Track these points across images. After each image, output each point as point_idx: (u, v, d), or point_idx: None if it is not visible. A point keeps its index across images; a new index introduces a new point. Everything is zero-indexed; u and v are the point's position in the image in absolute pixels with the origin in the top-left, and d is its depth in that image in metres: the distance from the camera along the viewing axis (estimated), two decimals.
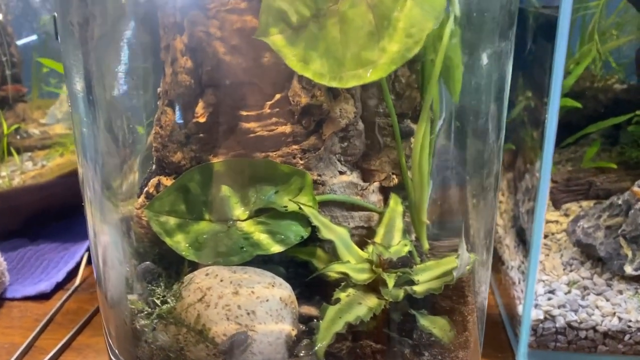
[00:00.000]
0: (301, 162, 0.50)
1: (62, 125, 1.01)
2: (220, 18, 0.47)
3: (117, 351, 0.45)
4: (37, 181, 0.91)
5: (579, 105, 0.74)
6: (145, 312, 0.42)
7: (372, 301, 0.43)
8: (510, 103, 0.49)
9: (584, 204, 0.79)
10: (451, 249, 0.47)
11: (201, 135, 0.48)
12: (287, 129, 0.50)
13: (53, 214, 0.95)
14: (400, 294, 0.43)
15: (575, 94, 0.79)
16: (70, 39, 0.43)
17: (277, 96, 0.50)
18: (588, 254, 0.73)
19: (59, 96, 1.08)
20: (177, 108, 0.47)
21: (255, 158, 0.50)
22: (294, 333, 0.45)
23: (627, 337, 0.65)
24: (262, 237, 0.48)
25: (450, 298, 0.46)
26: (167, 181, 0.49)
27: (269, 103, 0.50)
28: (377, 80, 0.44)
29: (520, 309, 0.68)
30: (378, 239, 0.49)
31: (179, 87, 0.47)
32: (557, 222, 0.79)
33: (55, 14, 0.43)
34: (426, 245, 0.49)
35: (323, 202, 0.49)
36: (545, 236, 0.78)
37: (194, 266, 0.46)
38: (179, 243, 0.47)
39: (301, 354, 0.42)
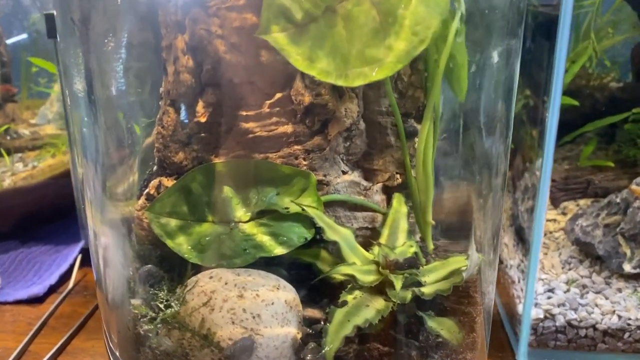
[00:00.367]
0: (304, 162, 0.49)
1: (53, 126, 1.00)
2: (220, 16, 0.46)
3: (119, 356, 0.44)
4: (28, 182, 0.90)
5: (576, 103, 0.74)
6: (149, 317, 0.41)
7: (379, 303, 0.42)
8: None
9: (582, 202, 0.79)
10: (457, 250, 0.47)
11: (202, 135, 0.48)
12: (288, 129, 0.49)
13: (45, 215, 0.94)
14: (408, 295, 0.43)
15: (572, 92, 0.79)
16: (70, 37, 0.42)
17: (277, 95, 0.49)
18: (587, 252, 0.73)
19: (49, 96, 1.06)
20: (181, 108, 0.46)
21: (255, 159, 0.49)
22: (299, 336, 0.44)
23: (626, 335, 0.65)
24: (265, 239, 0.47)
25: (457, 299, 0.45)
26: (168, 182, 0.48)
27: (268, 102, 0.49)
28: (381, 79, 0.44)
29: (520, 308, 0.67)
30: (383, 240, 0.48)
31: (181, 86, 0.46)
32: (554, 220, 0.79)
33: (54, 12, 0.42)
34: (431, 245, 0.49)
35: (328, 202, 0.48)
36: (544, 234, 0.78)
37: (197, 269, 0.45)
38: (181, 245, 0.46)
39: (308, 358, 0.42)
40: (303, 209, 0.47)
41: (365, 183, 0.51)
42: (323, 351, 0.41)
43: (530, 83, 0.68)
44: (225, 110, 0.48)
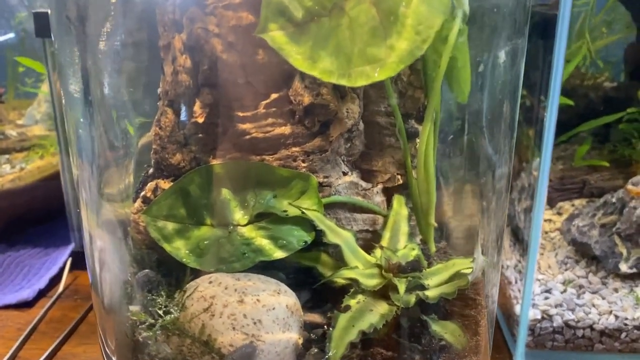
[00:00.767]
0: (303, 164, 0.48)
1: (41, 127, 0.98)
2: (217, 14, 0.45)
3: None
4: (16, 185, 0.88)
5: (571, 103, 0.74)
6: (148, 323, 0.40)
7: (383, 307, 0.41)
8: None
9: (577, 202, 0.79)
10: (461, 252, 0.46)
11: (200, 135, 0.47)
12: (286, 130, 0.48)
13: (33, 218, 0.93)
14: (412, 299, 0.42)
15: (566, 92, 0.79)
16: (66, 36, 0.41)
17: (274, 96, 0.48)
18: (583, 252, 0.73)
19: (36, 96, 1.04)
20: (181, 108, 0.45)
21: (252, 161, 0.48)
22: (300, 342, 0.43)
23: (623, 335, 0.65)
24: (264, 243, 0.46)
25: (460, 302, 0.45)
26: (165, 184, 0.47)
27: (264, 103, 0.48)
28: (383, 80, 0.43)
29: (517, 308, 0.67)
30: (384, 243, 0.47)
31: (179, 87, 0.45)
32: (550, 220, 0.79)
33: (48, 10, 0.40)
34: (433, 248, 0.48)
35: (329, 204, 0.48)
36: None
37: (195, 273, 0.44)
38: (179, 249, 0.45)
39: None
40: (303, 212, 0.46)
41: (364, 184, 0.50)
42: (326, 357, 0.40)
43: (525, 82, 0.68)
44: (222, 110, 0.47)
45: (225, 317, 0.40)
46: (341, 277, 0.44)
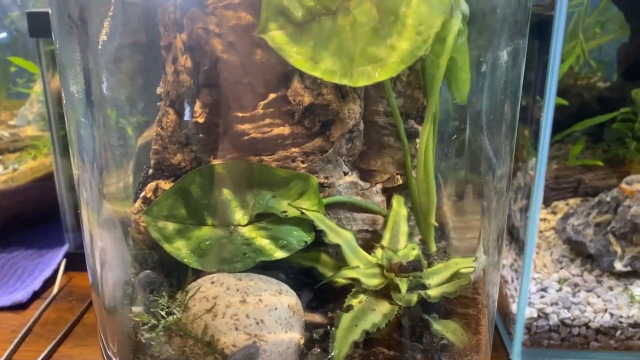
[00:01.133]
0: (303, 165, 0.48)
1: (33, 127, 0.97)
2: (217, 14, 0.45)
3: None
4: (9, 185, 0.87)
5: (566, 102, 0.74)
6: (150, 324, 0.40)
7: (385, 307, 0.42)
8: None
9: (571, 201, 0.80)
10: (461, 252, 0.46)
11: (200, 135, 0.46)
12: (284, 130, 0.48)
13: (27, 219, 0.92)
14: (414, 298, 0.42)
15: (560, 92, 0.80)
16: (67, 36, 0.41)
17: (272, 96, 0.48)
18: (578, 251, 0.73)
19: (28, 97, 1.03)
20: (182, 108, 0.45)
21: (251, 161, 0.48)
22: (302, 342, 0.43)
23: (618, 332, 0.66)
24: (265, 243, 0.46)
25: (461, 301, 0.45)
26: (166, 185, 0.47)
27: (262, 103, 0.48)
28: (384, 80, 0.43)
29: (513, 307, 0.68)
30: (385, 243, 0.47)
31: (180, 87, 0.45)
32: (545, 219, 0.79)
33: (49, 9, 0.40)
34: (434, 247, 0.48)
35: (330, 204, 0.48)
36: None
37: (197, 274, 0.44)
38: (180, 250, 0.45)
39: None
40: (302, 212, 0.46)
41: (362, 183, 0.51)
42: (329, 356, 0.40)
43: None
44: (221, 111, 0.47)
45: (227, 318, 0.40)
46: (343, 277, 0.44)
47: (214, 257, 0.44)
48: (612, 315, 0.66)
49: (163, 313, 0.40)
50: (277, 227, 0.47)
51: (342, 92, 0.47)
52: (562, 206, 0.80)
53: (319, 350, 0.42)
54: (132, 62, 0.46)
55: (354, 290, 0.43)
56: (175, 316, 0.40)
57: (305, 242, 0.46)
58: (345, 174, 0.49)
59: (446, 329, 0.43)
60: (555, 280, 0.71)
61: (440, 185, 0.49)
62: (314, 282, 0.48)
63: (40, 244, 0.90)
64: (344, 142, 0.48)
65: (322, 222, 0.46)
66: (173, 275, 0.45)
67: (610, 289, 0.69)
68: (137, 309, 0.41)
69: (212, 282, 0.42)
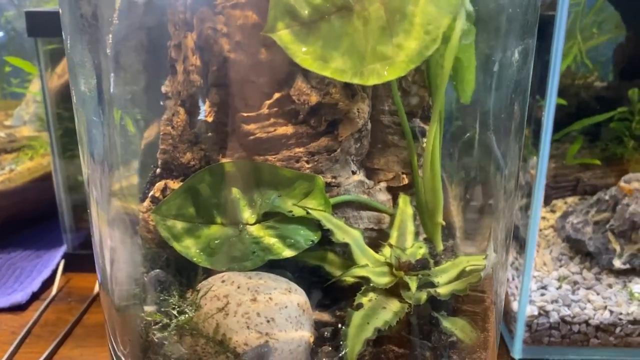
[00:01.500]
0: (308, 165, 0.48)
1: (29, 128, 0.97)
2: (225, 14, 0.45)
3: None
4: (7, 186, 0.87)
5: (564, 102, 0.75)
6: (162, 324, 0.40)
7: (395, 305, 0.42)
8: None
9: (570, 200, 0.81)
10: (470, 250, 0.47)
11: (209, 134, 0.46)
12: (288, 130, 0.48)
13: (24, 220, 0.91)
14: (423, 296, 0.42)
15: (558, 91, 0.80)
16: (79, 35, 0.41)
17: (276, 95, 0.48)
18: (577, 249, 0.74)
19: (22, 97, 1.03)
20: (192, 107, 0.45)
21: (257, 161, 0.48)
22: (311, 340, 0.43)
23: (617, 329, 0.67)
24: (273, 242, 0.46)
25: (469, 298, 0.45)
26: (174, 184, 0.47)
27: (267, 103, 0.48)
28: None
29: (514, 305, 0.68)
30: (392, 241, 0.48)
31: (191, 86, 0.45)
32: (544, 218, 0.80)
33: (59, 8, 0.40)
34: (441, 246, 0.49)
35: (337, 203, 0.48)
36: None
37: (207, 272, 0.44)
38: (189, 248, 0.45)
39: None
40: (308, 212, 0.46)
41: (368, 182, 0.51)
42: (340, 355, 0.40)
43: None
44: (228, 110, 0.47)
45: (239, 316, 0.40)
46: (353, 276, 0.44)
47: (224, 255, 0.44)
48: (611, 312, 0.67)
49: (175, 312, 0.40)
50: (284, 226, 0.47)
51: (351, 91, 0.47)
52: (560, 205, 0.81)
53: (330, 348, 0.42)
54: (138, 61, 0.45)
55: (363, 288, 0.44)
56: (187, 315, 0.40)
57: (312, 241, 0.46)
58: (354, 173, 0.49)
59: (455, 327, 0.43)
60: (555, 278, 0.71)
61: (446, 184, 0.50)
62: (319, 280, 0.48)
63: (38, 244, 0.90)
64: (353, 141, 0.48)
65: (329, 221, 0.47)
66: (182, 274, 0.45)
67: (610, 286, 0.70)
68: (149, 308, 0.41)
69: (223, 281, 0.42)
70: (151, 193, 0.47)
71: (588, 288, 0.70)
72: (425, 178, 0.48)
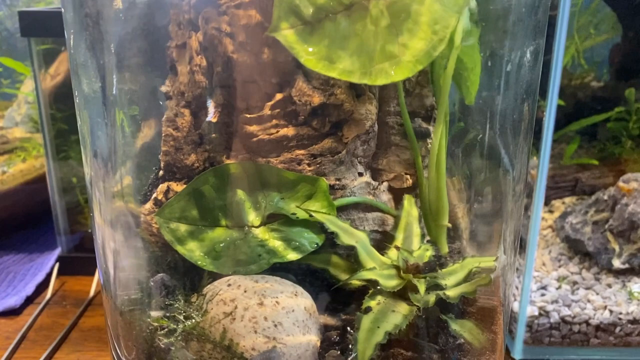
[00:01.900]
0: (309, 168, 0.47)
1: (21, 129, 0.95)
2: (229, 14, 0.44)
3: None
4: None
5: (562, 103, 0.75)
6: (169, 329, 0.39)
7: (403, 308, 0.41)
8: None
9: (568, 200, 0.81)
10: (478, 252, 0.46)
11: (213, 135, 0.46)
12: (289, 132, 0.47)
13: (17, 223, 0.90)
14: (432, 299, 0.42)
15: None
16: (83, 34, 0.40)
17: (278, 96, 0.48)
18: (576, 249, 0.74)
19: (13, 98, 1.01)
20: (198, 109, 0.44)
21: (260, 163, 0.47)
22: (318, 344, 0.43)
23: (617, 329, 0.67)
24: (277, 244, 0.46)
25: (479, 300, 0.45)
26: (177, 187, 0.46)
27: (269, 104, 0.48)
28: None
29: (515, 305, 0.68)
30: (398, 244, 0.47)
31: (196, 87, 0.45)
32: (543, 218, 0.80)
33: (61, 8, 0.39)
34: (446, 249, 0.48)
35: (342, 206, 0.47)
36: None
37: (213, 276, 0.43)
38: (193, 252, 0.44)
39: None
40: (310, 215, 0.46)
41: (374, 183, 0.50)
42: (349, 359, 0.40)
43: None
44: (232, 111, 0.46)
45: (246, 321, 0.40)
46: (361, 279, 0.44)
47: (229, 259, 0.43)
48: (611, 312, 0.67)
49: (181, 317, 0.39)
50: (289, 229, 0.46)
51: (356, 91, 0.46)
52: (558, 205, 0.81)
53: (338, 352, 0.42)
54: (141, 61, 0.45)
55: (371, 291, 0.43)
56: (194, 320, 0.39)
57: (317, 244, 0.46)
58: (360, 174, 0.49)
59: (463, 329, 0.43)
60: (555, 278, 0.71)
61: (449, 185, 0.49)
62: (322, 284, 0.48)
63: (31, 248, 0.89)
64: (360, 143, 0.47)
65: (333, 223, 0.46)
66: (186, 278, 0.44)
67: (609, 286, 0.70)
68: (155, 313, 0.41)
69: (229, 285, 0.42)
70: (154, 195, 0.47)
71: (587, 288, 0.70)
72: (431, 180, 0.48)
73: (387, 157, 0.52)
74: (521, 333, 0.67)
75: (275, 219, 0.47)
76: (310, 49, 0.42)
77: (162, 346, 0.38)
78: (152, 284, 0.42)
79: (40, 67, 0.79)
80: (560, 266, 0.73)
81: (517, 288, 0.70)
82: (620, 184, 0.71)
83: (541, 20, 0.41)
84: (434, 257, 0.49)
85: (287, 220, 0.46)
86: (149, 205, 0.47)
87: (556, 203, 0.81)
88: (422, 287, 0.41)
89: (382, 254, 0.47)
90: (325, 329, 0.45)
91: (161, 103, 0.48)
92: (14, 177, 0.87)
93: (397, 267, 0.44)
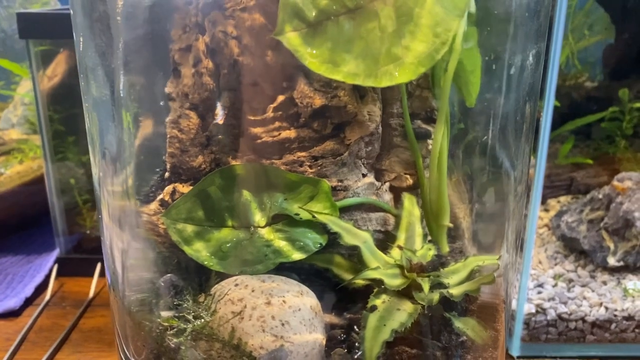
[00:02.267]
0: (311, 170, 0.48)
1: (18, 130, 0.95)
2: (235, 17, 0.45)
3: None
4: None
5: (557, 103, 0.76)
6: (178, 329, 0.40)
7: (408, 306, 0.42)
8: None
9: (562, 199, 0.82)
10: (480, 252, 0.47)
11: (220, 137, 0.46)
12: (291, 134, 0.48)
13: (15, 225, 0.90)
14: (435, 297, 0.43)
15: None
16: (92, 36, 0.40)
17: (280, 98, 0.48)
18: (572, 247, 0.75)
19: (10, 99, 1.01)
20: (205, 111, 0.45)
21: (265, 164, 0.48)
22: (324, 342, 0.44)
23: (613, 325, 0.68)
24: (282, 245, 0.46)
25: (481, 298, 0.46)
26: (183, 188, 0.47)
27: (272, 106, 0.48)
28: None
29: (512, 303, 0.69)
30: (400, 243, 0.48)
31: (203, 90, 0.45)
32: (538, 217, 0.81)
33: (70, 10, 0.39)
34: (446, 248, 0.49)
35: (345, 207, 0.48)
36: None
37: (220, 276, 0.44)
38: (199, 252, 0.44)
39: None
40: (313, 216, 0.46)
41: (377, 183, 0.51)
42: (356, 357, 0.40)
43: None
44: (238, 113, 0.47)
45: (254, 320, 0.40)
46: (366, 278, 0.44)
47: (236, 259, 0.44)
48: (607, 309, 0.68)
49: (191, 317, 0.40)
50: (293, 230, 0.47)
51: (360, 93, 0.47)
52: (553, 204, 0.82)
53: (345, 350, 0.42)
54: (146, 64, 0.45)
55: (375, 290, 0.44)
56: (203, 320, 0.39)
57: (320, 244, 0.47)
58: (364, 175, 0.49)
59: (466, 326, 0.43)
60: (551, 276, 0.72)
61: (451, 185, 0.50)
62: (324, 283, 0.48)
63: (29, 249, 0.89)
64: (364, 145, 0.48)
65: (336, 224, 0.47)
66: (193, 278, 0.45)
67: (604, 283, 0.71)
68: (166, 313, 0.41)
69: (236, 284, 0.42)
70: (160, 196, 0.47)
71: (583, 285, 0.71)
72: (432, 180, 0.49)
73: (390, 158, 0.52)
74: (518, 330, 0.68)
75: (279, 220, 0.47)
76: (314, 52, 0.43)
77: (172, 346, 0.39)
78: (162, 284, 0.43)
79: (39, 68, 0.79)
80: (556, 264, 0.74)
81: (514, 286, 0.71)
82: (615, 182, 0.72)
83: (543, 24, 0.42)
84: (436, 256, 0.50)
85: (291, 220, 0.47)
86: (154, 205, 0.47)
87: (552, 202, 0.82)
88: (426, 286, 0.42)
89: (385, 254, 0.48)
90: (329, 328, 0.46)
91: (162, 104, 0.49)
92: (11, 179, 0.87)
93: (400, 267, 0.45)
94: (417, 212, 0.50)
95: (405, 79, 0.42)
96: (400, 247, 0.46)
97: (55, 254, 0.86)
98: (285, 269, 0.47)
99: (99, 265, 0.82)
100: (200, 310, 0.40)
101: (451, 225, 0.48)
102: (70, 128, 0.83)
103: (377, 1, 0.42)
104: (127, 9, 0.40)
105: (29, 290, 0.79)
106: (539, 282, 0.71)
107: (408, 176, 0.52)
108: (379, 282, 0.44)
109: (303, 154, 0.48)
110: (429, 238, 0.52)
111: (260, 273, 0.44)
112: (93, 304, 0.79)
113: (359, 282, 0.47)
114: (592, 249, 0.72)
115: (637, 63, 0.83)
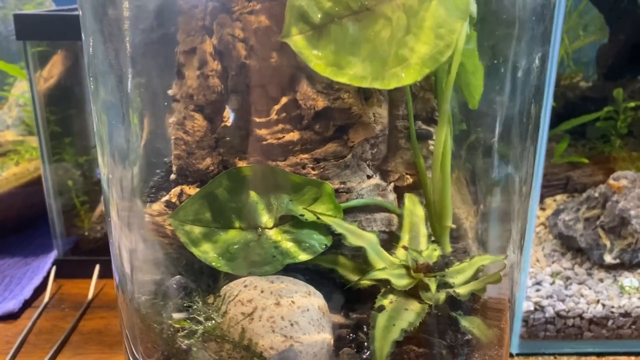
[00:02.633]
0: (313, 172, 0.48)
1: (13, 132, 0.95)
2: (242, 20, 0.45)
3: None
4: None
5: (553, 103, 0.76)
6: (189, 330, 0.40)
7: (416, 306, 0.43)
8: None
9: (558, 197, 0.83)
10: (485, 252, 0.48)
11: (227, 139, 0.47)
12: (294, 136, 0.48)
13: (12, 227, 0.89)
14: (442, 297, 0.43)
15: None
16: (101, 37, 0.40)
17: (283, 100, 0.49)
18: (568, 245, 0.76)
19: (5, 100, 1.01)
20: (213, 113, 0.45)
21: (271, 166, 0.48)
22: (332, 342, 0.44)
23: (610, 322, 0.69)
24: (289, 246, 0.46)
25: (484, 298, 0.46)
26: (190, 190, 0.47)
27: (276, 108, 0.48)
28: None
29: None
30: (405, 244, 0.48)
31: (210, 92, 0.45)
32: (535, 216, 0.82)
33: (79, 11, 0.39)
34: (449, 248, 0.50)
35: (349, 208, 0.48)
36: None
37: (229, 277, 0.44)
38: (207, 253, 0.45)
39: None
40: (318, 217, 0.46)
41: (383, 184, 0.51)
42: (365, 356, 0.41)
43: None
44: (245, 115, 0.47)
45: (264, 320, 0.41)
46: (373, 278, 0.45)
47: (244, 260, 0.44)
48: (604, 306, 0.69)
49: (201, 318, 0.40)
50: (299, 231, 0.47)
51: (365, 94, 0.47)
52: (550, 202, 0.83)
53: (354, 350, 0.43)
54: (153, 66, 0.45)
55: (382, 290, 0.44)
56: (214, 321, 0.40)
57: (326, 245, 0.47)
58: (369, 177, 0.50)
59: (472, 325, 0.44)
60: (549, 274, 0.73)
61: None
62: (329, 284, 0.49)
63: (27, 251, 0.88)
64: (369, 147, 0.48)
65: (340, 226, 0.47)
66: (201, 279, 0.45)
67: (601, 280, 0.72)
68: (176, 315, 0.41)
69: (245, 285, 0.42)
70: (166, 198, 0.47)
71: (580, 283, 0.72)
72: (435, 181, 0.49)
73: (395, 160, 0.53)
74: (517, 328, 0.69)
75: (286, 221, 0.47)
76: (319, 54, 0.43)
77: (184, 347, 0.39)
78: (174, 284, 0.43)
79: (36, 69, 0.78)
80: (553, 262, 0.75)
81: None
82: (611, 181, 0.73)
83: (548, 27, 0.42)
84: (440, 256, 0.50)
85: (297, 222, 0.47)
86: (159, 206, 0.47)
87: (548, 201, 0.83)
88: (433, 286, 0.42)
89: (390, 254, 0.48)
90: (336, 328, 0.46)
91: (165, 104, 0.49)
92: (7, 181, 0.86)
93: (407, 267, 0.45)
94: (421, 212, 0.50)
95: (410, 81, 0.43)
96: (405, 248, 0.46)
97: (53, 255, 0.85)
98: (291, 270, 0.47)
99: (97, 267, 0.82)
100: (210, 311, 0.41)
101: (454, 226, 0.48)
102: (66, 129, 0.83)
103: (384, 4, 0.42)
104: (137, 13, 0.40)
105: (27, 293, 0.79)
106: (537, 280, 0.72)
107: (408, 176, 0.53)
108: (385, 283, 0.45)
109: (306, 156, 0.48)
110: (432, 238, 0.52)
111: (268, 274, 0.44)
112: (92, 306, 0.79)
113: (365, 282, 0.47)
114: (588, 247, 0.73)
115: (631, 63, 0.84)
